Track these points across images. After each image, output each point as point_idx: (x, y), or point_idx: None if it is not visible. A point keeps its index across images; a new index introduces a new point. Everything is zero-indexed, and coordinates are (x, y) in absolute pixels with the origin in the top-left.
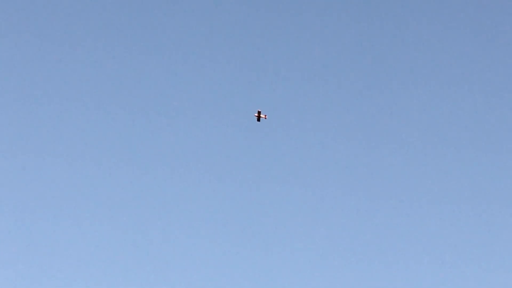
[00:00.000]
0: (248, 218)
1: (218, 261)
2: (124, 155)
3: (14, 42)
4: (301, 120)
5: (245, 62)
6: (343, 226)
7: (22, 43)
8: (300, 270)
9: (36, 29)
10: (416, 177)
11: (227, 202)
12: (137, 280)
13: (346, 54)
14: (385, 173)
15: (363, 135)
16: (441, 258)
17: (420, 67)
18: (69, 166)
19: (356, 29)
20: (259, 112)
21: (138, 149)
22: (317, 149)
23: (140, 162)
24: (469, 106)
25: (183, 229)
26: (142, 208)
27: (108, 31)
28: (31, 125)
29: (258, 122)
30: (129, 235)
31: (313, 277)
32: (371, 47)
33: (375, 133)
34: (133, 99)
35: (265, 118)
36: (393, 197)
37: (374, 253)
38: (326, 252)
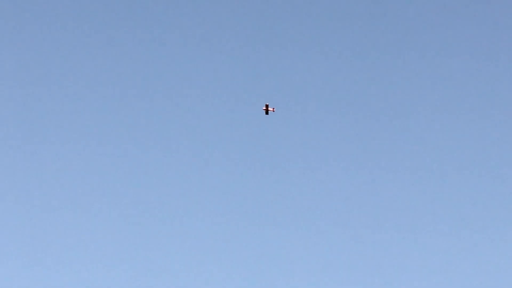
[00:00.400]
0: (250, 217)
1: (220, 261)
2: (126, 150)
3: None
4: (306, 114)
5: (250, 56)
6: (349, 225)
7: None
8: (302, 270)
9: (35, 28)
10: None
11: (229, 199)
12: (137, 280)
13: (351, 48)
14: (389, 171)
15: (369, 130)
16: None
17: (421, 61)
18: (68, 164)
19: (360, 25)
20: (266, 106)
21: (141, 145)
22: (321, 145)
23: (143, 159)
24: (469, 102)
25: (185, 228)
26: (143, 206)
27: (107, 23)
28: (29, 125)
29: (267, 115)
30: (130, 233)
31: (315, 276)
32: (378, 43)
33: (382, 128)
34: (136, 93)
35: (273, 111)
36: (400, 196)
37: (378, 250)
38: (328, 252)
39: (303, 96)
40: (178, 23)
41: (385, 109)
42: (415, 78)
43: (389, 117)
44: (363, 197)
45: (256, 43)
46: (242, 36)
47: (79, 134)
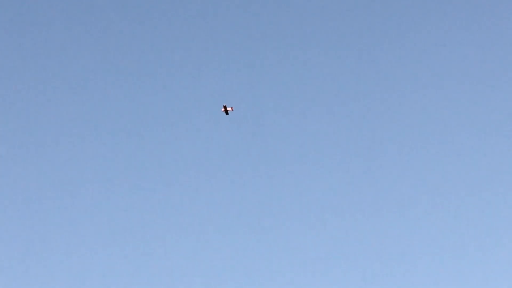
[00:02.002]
0: (247, 218)
1: (220, 262)
2: (119, 149)
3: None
4: (300, 113)
5: (241, 60)
6: (346, 226)
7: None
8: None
9: (35, 29)
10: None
11: (225, 201)
12: (136, 280)
13: (343, 53)
14: (386, 169)
15: (366, 128)
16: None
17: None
18: (67, 165)
19: (354, 28)
20: (225, 106)
21: (135, 150)
22: (317, 144)
23: (138, 162)
24: (468, 105)
25: (182, 231)
26: (141, 207)
27: (105, 29)
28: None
29: (227, 115)
30: (129, 235)
31: (314, 276)
32: (370, 47)
33: (379, 125)
34: (129, 94)
35: (232, 110)
36: (392, 197)
37: (376, 249)
38: (328, 254)
39: (297, 96)
40: (174, 22)
41: (380, 107)
42: (405, 77)
43: (385, 116)
44: (360, 196)
45: (252, 43)
46: (237, 36)
47: (75, 134)
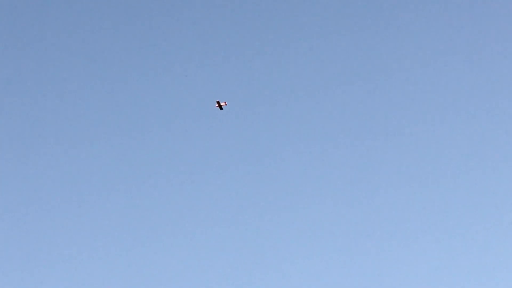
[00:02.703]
0: (247, 220)
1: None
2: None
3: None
4: (298, 120)
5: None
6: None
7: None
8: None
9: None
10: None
11: (224, 203)
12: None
13: (344, 52)
14: (384, 170)
15: (357, 132)
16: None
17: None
18: (68, 166)
19: (354, 28)
20: (218, 102)
21: (135, 145)
22: (315, 144)
23: (134, 160)
24: (467, 104)
25: (181, 230)
26: (140, 209)
27: (105, 29)
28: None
29: (222, 110)
30: (127, 235)
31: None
32: (370, 46)
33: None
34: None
35: (225, 104)
36: (398, 196)
37: (374, 248)
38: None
39: (296, 94)
40: (174, 23)
41: (381, 110)
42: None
43: (382, 114)
44: (358, 194)
45: (250, 40)
46: (234, 33)
47: (74, 133)
